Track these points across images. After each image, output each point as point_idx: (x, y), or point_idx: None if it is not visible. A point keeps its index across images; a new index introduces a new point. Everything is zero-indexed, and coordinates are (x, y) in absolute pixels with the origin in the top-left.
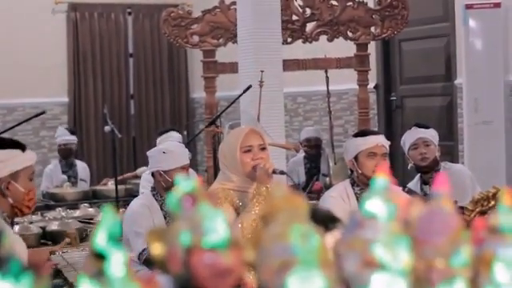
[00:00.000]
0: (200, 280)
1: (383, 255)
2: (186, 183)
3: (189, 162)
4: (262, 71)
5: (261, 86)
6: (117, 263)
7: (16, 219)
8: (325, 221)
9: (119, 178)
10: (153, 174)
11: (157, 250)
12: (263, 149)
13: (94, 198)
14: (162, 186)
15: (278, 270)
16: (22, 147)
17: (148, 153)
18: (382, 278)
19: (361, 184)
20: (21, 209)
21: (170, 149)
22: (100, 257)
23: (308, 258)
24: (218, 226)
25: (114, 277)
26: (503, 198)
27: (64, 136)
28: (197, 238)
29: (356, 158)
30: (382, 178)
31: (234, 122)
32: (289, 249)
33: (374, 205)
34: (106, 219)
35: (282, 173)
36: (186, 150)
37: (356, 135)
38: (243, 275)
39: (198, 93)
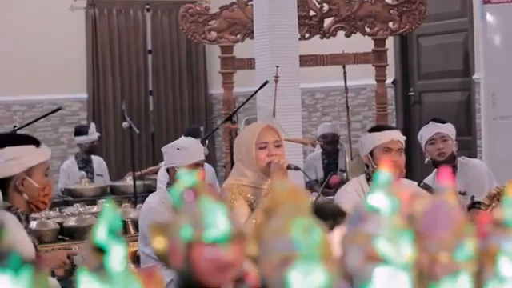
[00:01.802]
0: (201, 274)
1: (386, 249)
2: (188, 178)
3: (204, 158)
4: (277, 66)
5: (276, 82)
6: (117, 257)
7: (33, 215)
8: (334, 215)
9: (143, 171)
10: (168, 170)
11: (159, 244)
12: (278, 146)
13: (112, 193)
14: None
15: (279, 264)
16: (36, 143)
17: (163, 149)
18: (384, 272)
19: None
20: (36, 205)
21: (184, 145)
22: (100, 251)
23: (310, 252)
24: (218, 221)
25: (113, 270)
26: (508, 191)
27: (96, 133)
28: (198, 233)
29: (371, 153)
30: (385, 172)
31: (250, 117)
32: (290, 243)
33: (377, 199)
34: (107, 213)
35: (296, 168)
36: (201, 146)
37: (371, 130)
38: (246, 268)
39: (217, 89)
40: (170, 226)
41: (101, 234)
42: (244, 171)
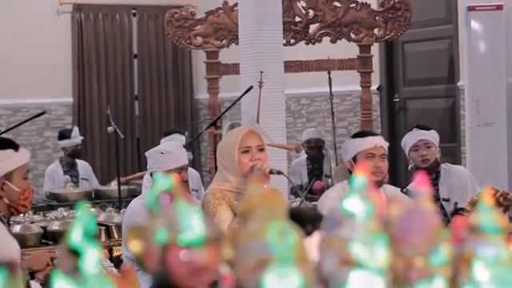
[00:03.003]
0: (176, 276)
1: (361, 253)
2: (164, 181)
3: (187, 162)
4: (261, 72)
5: (260, 87)
6: (91, 260)
7: (17, 219)
8: (312, 220)
9: (128, 177)
10: (151, 175)
11: (135, 247)
12: (261, 150)
13: (96, 198)
14: None
15: (255, 268)
16: (14, 146)
17: (146, 153)
18: (359, 276)
19: None
20: (17, 208)
21: (167, 149)
22: (75, 253)
23: (285, 256)
24: (194, 224)
25: (88, 273)
26: (483, 197)
27: (79, 137)
28: (173, 236)
29: (354, 158)
30: (360, 177)
31: (233, 122)
32: (266, 246)
33: (353, 204)
34: (82, 217)
35: (279, 173)
36: (185, 150)
37: (354, 136)
38: (222, 271)
39: (203, 94)
40: (145, 229)
41: (76, 237)
42: (227, 176)
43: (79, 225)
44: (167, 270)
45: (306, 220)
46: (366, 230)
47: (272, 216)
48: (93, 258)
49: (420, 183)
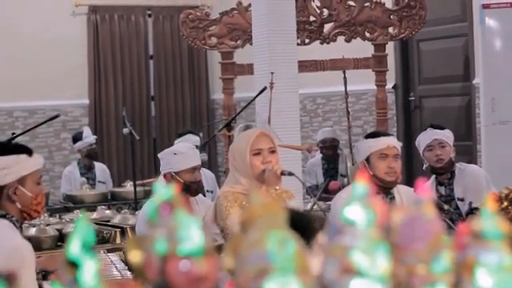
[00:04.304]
0: (176, 287)
1: (362, 262)
2: (164, 191)
3: (200, 162)
4: (272, 73)
5: (271, 88)
6: (89, 271)
7: (33, 222)
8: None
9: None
10: (165, 176)
11: (135, 257)
12: (273, 152)
13: (112, 199)
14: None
15: (254, 277)
16: (28, 152)
17: (159, 155)
18: (360, 285)
19: (372, 185)
20: (29, 213)
21: (180, 150)
22: (73, 265)
23: (285, 265)
24: (193, 234)
25: (86, 285)
26: (486, 203)
27: (91, 136)
28: (172, 246)
29: (367, 159)
30: (362, 184)
31: (244, 124)
32: (266, 256)
33: (354, 211)
34: (80, 227)
35: (290, 174)
36: (197, 150)
37: (367, 136)
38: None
39: (218, 94)
40: (145, 239)
41: (74, 248)
42: (239, 178)
43: (78, 236)
44: (167, 281)
45: (303, 226)
46: (367, 238)
47: (272, 225)
48: (91, 269)
49: (421, 189)
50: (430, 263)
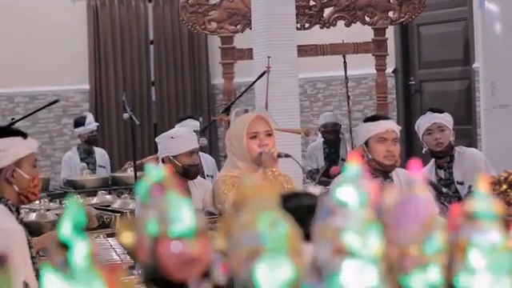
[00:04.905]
0: (167, 268)
1: (354, 243)
2: (155, 172)
3: (198, 146)
4: (268, 57)
5: (268, 73)
6: (80, 253)
7: (33, 206)
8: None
9: (142, 160)
10: (163, 160)
11: (127, 239)
12: (269, 135)
13: (113, 184)
14: (172, 171)
15: (246, 258)
16: (23, 135)
17: (157, 139)
18: (352, 266)
19: (371, 169)
20: (27, 196)
21: (178, 134)
22: (64, 246)
23: (276, 246)
24: (184, 216)
25: (77, 266)
26: (479, 184)
27: (93, 123)
28: (164, 227)
29: (366, 143)
30: (354, 166)
31: (240, 108)
32: (257, 237)
33: (346, 192)
34: (71, 209)
35: (286, 156)
36: (195, 134)
37: (366, 120)
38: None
39: (219, 79)
40: (137, 220)
41: (65, 229)
42: (236, 163)
43: (68, 217)
44: (158, 262)
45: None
46: (359, 219)
47: (264, 206)
48: (82, 251)
49: (414, 170)
50: (422, 244)
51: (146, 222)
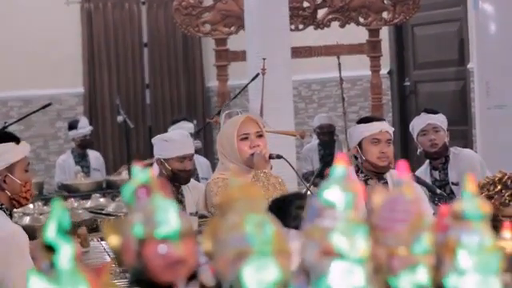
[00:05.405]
0: (153, 270)
1: (341, 244)
2: (141, 175)
3: (192, 152)
4: (264, 59)
5: (263, 74)
6: (65, 255)
7: (27, 210)
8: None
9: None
10: (156, 161)
11: (113, 241)
12: (260, 136)
13: (108, 188)
14: (163, 173)
15: (233, 260)
16: (16, 140)
17: (153, 140)
18: (340, 267)
19: (365, 171)
20: (18, 200)
21: (172, 137)
22: (50, 249)
23: (263, 248)
24: (170, 218)
25: (62, 269)
26: (467, 184)
27: (87, 127)
28: (150, 229)
29: (360, 144)
30: (341, 167)
31: (230, 111)
32: (244, 238)
33: (333, 193)
34: (56, 212)
35: (278, 157)
36: (191, 139)
37: (360, 122)
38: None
39: (213, 81)
40: (123, 223)
41: (50, 232)
42: (228, 165)
43: (54, 220)
44: (144, 264)
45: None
46: (346, 220)
47: (251, 208)
48: (67, 253)
49: (402, 171)
50: (410, 245)
51: (132, 225)
